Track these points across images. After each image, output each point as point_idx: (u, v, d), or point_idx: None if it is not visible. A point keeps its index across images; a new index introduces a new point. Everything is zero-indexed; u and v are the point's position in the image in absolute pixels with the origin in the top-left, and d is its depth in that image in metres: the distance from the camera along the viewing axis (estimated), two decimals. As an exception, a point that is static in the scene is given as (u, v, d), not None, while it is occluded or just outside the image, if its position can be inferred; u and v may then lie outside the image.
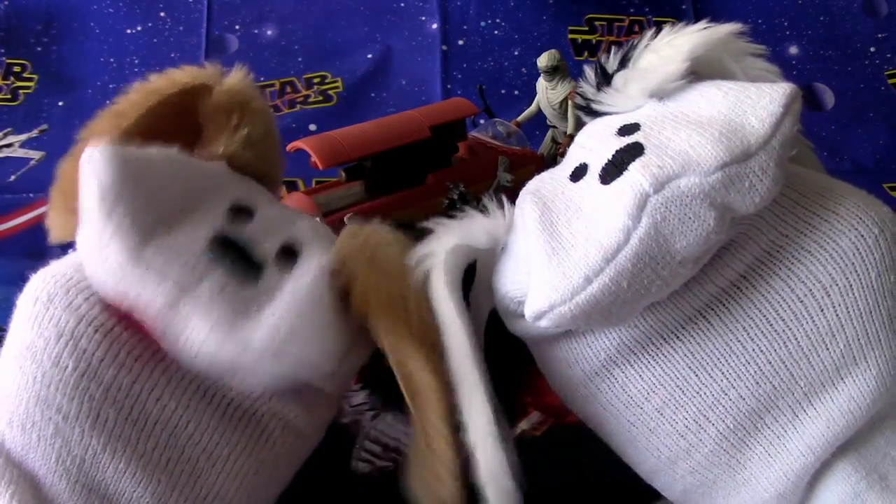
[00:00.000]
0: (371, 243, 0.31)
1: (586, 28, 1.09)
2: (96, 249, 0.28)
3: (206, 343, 0.27)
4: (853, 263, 0.27)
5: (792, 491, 0.29)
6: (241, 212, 0.32)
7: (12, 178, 0.94)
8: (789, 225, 0.28)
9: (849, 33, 1.08)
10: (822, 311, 0.28)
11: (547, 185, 0.30)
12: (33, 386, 0.28)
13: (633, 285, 0.26)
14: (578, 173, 0.29)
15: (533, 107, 0.71)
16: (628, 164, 0.26)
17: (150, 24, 1.06)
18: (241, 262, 0.30)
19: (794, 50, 1.08)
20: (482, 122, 0.65)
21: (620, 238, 0.25)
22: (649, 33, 0.32)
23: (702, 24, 0.31)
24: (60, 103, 1.01)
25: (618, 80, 0.32)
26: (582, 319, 0.27)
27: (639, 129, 0.28)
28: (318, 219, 0.37)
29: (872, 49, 1.07)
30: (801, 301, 0.28)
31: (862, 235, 0.28)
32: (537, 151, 0.67)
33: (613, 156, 0.27)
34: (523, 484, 0.29)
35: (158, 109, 0.33)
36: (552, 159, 0.66)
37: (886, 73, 1.07)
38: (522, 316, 0.29)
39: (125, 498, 0.28)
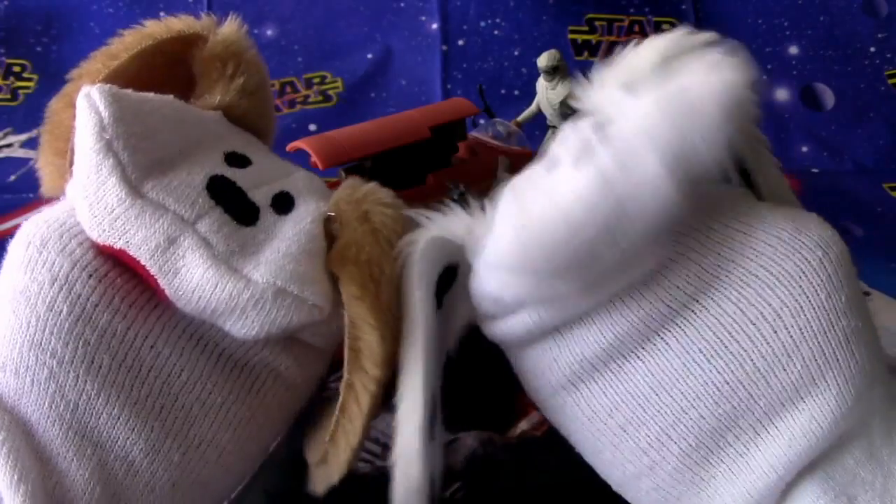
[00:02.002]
0: (369, 199, 0.31)
1: (586, 28, 1.09)
2: (93, 187, 0.27)
3: (203, 280, 0.27)
4: (801, 286, 0.28)
5: None
6: (238, 159, 0.32)
7: (12, 178, 0.94)
8: (733, 250, 0.29)
9: (849, 33, 1.08)
10: (775, 332, 0.28)
11: (523, 179, 0.31)
12: (27, 330, 0.27)
13: (592, 256, 0.26)
14: (552, 165, 0.29)
15: (533, 107, 0.71)
16: (597, 148, 0.27)
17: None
18: (238, 202, 0.29)
19: (794, 50, 1.09)
20: (482, 122, 0.65)
21: (585, 209, 0.26)
22: (636, 40, 0.33)
23: (681, 29, 0.32)
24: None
25: (595, 75, 0.32)
26: (544, 288, 0.27)
27: (612, 123, 0.29)
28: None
29: (872, 49, 1.08)
30: (754, 324, 0.28)
31: (806, 258, 0.28)
32: (537, 151, 0.67)
33: (585, 145, 0.28)
34: (435, 485, 0.30)
35: (151, 54, 0.33)
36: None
37: (886, 73, 1.07)
38: (498, 315, 0.30)
39: (118, 444, 0.28)
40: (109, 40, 0.33)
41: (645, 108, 0.27)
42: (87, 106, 0.27)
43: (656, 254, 0.28)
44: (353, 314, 0.29)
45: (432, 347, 0.30)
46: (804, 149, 1.03)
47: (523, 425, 0.43)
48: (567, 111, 0.33)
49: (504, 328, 0.30)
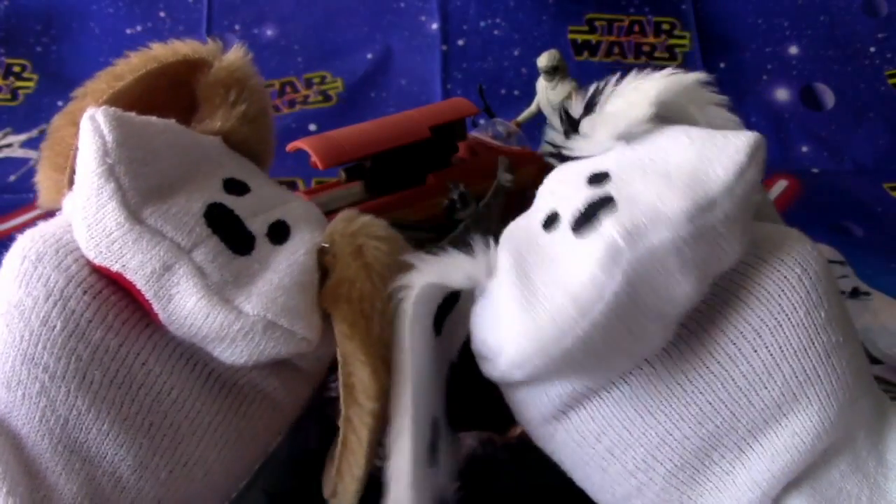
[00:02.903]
0: (363, 233, 0.31)
1: (586, 28, 1.09)
2: (92, 209, 0.28)
3: (196, 309, 0.27)
4: (780, 304, 0.28)
5: None
6: (236, 186, 0.32)
7: (12, 178, 0.94)
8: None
9: (849, 33, 1.08)
10: (755, 351, 0.28)
11: (521, 233, 0.31)
12: (20, 344, 0.28)
13: (606, 340, 0.26)
14: (550, 222, 0.30)
15: (533, 107, 0.71)
16: (601, 217, 0.27)
17: (149, 24, 1.06)
18: (235, 231, 0.30)
19: (794, 50, 1.09)
20: (482, 122, 0.65)
21: (595, 292, 0.26)
22: (614, 78, 0.33)
23: (668, 70, 0.32)
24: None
25: (585, 125, 0.33)
26: (553, 371, 0.28)
27: (609, 179, 0.29)
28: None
29: (872, 49, 1.08)
30: (734, 343, 0.28)
31: (785, 276, 0.28)
32: (537, 151, 0.67)
33: (586, 208, 0.28)
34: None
35: (156, 77, 0.33)
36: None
37: (886, 73, 1.07)
38: (490, 359, 0.30)
39: (107, 460, 0.28)
40: (115, 61, 0.33)
41: (653, 186, 0.27)
42: (91, 129, 0.28)
43: (667, 335, 0.28)
44: (345, 351, 0.29)
45: (425, 389, 0.30)
46: (804, 149, 1.03)
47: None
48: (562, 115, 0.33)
49: (497, 374, 0.30)
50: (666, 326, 0.28)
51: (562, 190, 0.31)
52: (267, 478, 0.40)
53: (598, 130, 0.32)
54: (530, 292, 0.27)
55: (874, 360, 0.56)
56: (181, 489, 0.30)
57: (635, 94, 0.31)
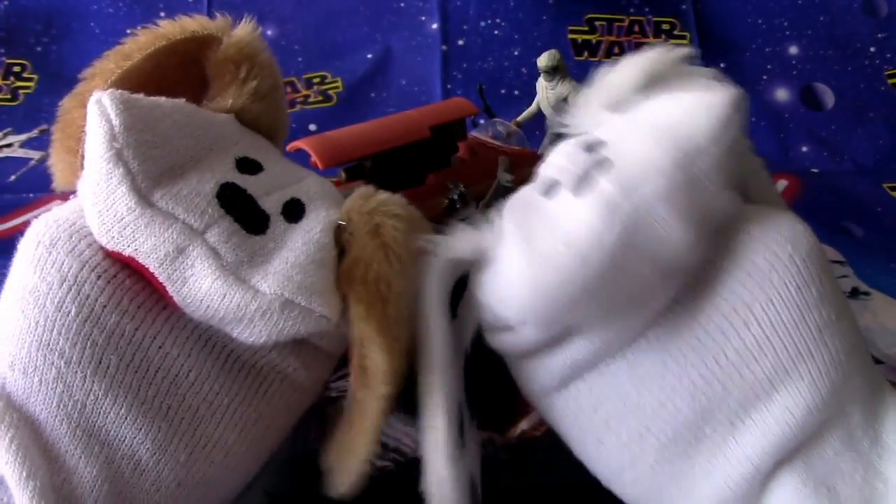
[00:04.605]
0: (380, 211, 0.31)
1: (586, 28, 1.09)
2: (103, 195, 0.27)
3: (211, 290, 0.27)
4: (770, 280, 0.29)
5: (734, 501, 0.30)
6: (249, 164, 0.31)
7: (12, 178, 0.94)
8: (708, 250, 0.29)
9: (849, 33, 1.08)
10: (747, 326, 0.29)
11: (522, 201, 0.32)
12: (36, 330, 0.28)
13: (607, 287, 0.27)
14: (550, 190, 0.30)
15: (533, 107, 0.71)
16: (597, 176, 0.28)
17: (150, 24, 1.06)
18: (248, 210, 0.29)
19: (794, 50, 1.09)
20: (482, 122, 0.65)
21: (595, 242, 0.27)
22: (613, 62, 0.34)
23: (660, 46, 0.33)
24: (60, 103, 1.01)
25: (580, 99, 0.33)
26: (558, 321, 0.29)
27: (604, 145, 0.30)
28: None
29: (872, 49, 1.08)
30: (727, 318, 0.29)
31: (775, 253, 0.29)
32: (537, 151, 0.67)
33: (583, 172, 0.29)
34: (476, 488, 0.30)
35: (165, 55, 0.33)
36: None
37: (886, 73, 1.07)
38: (501, 329, 0.31)
39: (125, 444, 0.28)
40: (123, 40, 0.33)
41: (642, 142, 0.28)
42: (98, 113, 0.27)
43: (668, 289, 0.29)
44: (361, 333, 0.29)
45: (451, 367, 0.30)
46: (804, 149, 1.03)
47: (523, 425, 0.43)
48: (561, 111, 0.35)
49: (508, 342, 0.31)
50: (665, 276, 0.28)
51: (560, 161, 0.31)
52: (267, 478, 0.40)
53: (592, 102, 0.33)
54: (532, 248, 0.28)
55: (874, 361, 0.56)
56: (201, 471, 0.30)
57: (626, 68, 0.32)
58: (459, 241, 0.31)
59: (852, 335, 0.30)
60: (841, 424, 0.30)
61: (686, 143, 0.28)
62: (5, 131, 1.01)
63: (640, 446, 0.30)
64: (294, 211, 0.31)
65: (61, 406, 0.28)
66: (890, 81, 1.06)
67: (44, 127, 1.00)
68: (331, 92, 1.06)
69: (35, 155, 0.97)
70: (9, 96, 1.03)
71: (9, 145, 0.99)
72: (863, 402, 0.30)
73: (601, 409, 0.31)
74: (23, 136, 1.00)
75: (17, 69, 1.05)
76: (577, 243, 0.27)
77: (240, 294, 0.27)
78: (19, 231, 0.30)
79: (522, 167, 0.57)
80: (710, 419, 0.29)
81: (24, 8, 1.06)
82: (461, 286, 0.31)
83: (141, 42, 0.33)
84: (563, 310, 0.28)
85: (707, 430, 0.29)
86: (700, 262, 0.29)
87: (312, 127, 1.02)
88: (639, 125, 0.30)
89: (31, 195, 0.89)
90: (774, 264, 0.29)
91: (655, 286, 0.28)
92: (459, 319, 0.32)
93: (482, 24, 1.08)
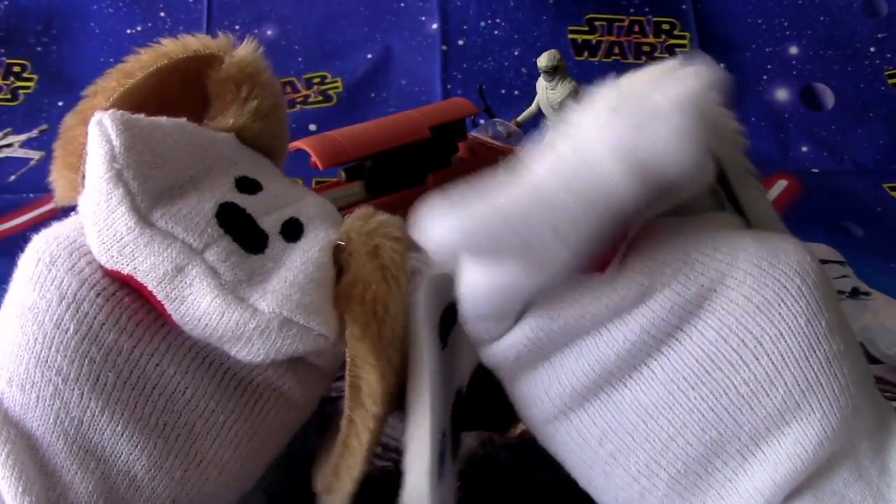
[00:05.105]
0: (380, 233, 0.31)
1: (586, 28, 1.09)
2: (102, 214, 0.27)
3: (210, 309, 0.27)
4: (780, 313, 0.28)
5: None
6: (249, 184, 0.32)
7: (12, 178, 0.94)
8: (714, 280, 0.29)
9: (849, 33, 1.08)
10: (757, 359, 0.28)
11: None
12: (34, 347, 0.28)
13: (531, 217, 0.26)
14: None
15: (533, 107, 0.71)
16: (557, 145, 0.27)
17: (150, 24, 1.06)
18: (247, 230, 0.29)
19: (794, 50, 1.09)
20: (482, 122, 0.65)
21: (522, 180, 0.26)
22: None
23: (678, 59, 0.32)
24: (60, 103, 1.01)
25: (586, 102, 0.33)
26: (480, 254, 0.27)
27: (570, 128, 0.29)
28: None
29: (872, 49, 1.08)
30: (736, 351, 0.29)
31: (784, 286, 0.29)
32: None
33: (546, 144, 0.28)
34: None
35: (167, 73, 0.33)
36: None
37: (886, 73, 1.07)
38: (488, 341, 0.30)
39: (121, 460, 0.28)
40: (125, 58, 0.33)
41: (603, 113, 0.27)
42: (98, 133, 0.27)
43: (597, 227, 0.27)
44: (355, 353, 0.29)
45: (439, 389, 0.30)
46: (804, 149, 1.03)
47: (523, 425, 0.43)
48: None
49: (496, 352, 0.31)
50: (599, 217, 0.26)
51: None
52: (267, 478, 0.40)
53: (597, 103, 0.32)
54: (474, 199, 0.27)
55: (874, 361, 0.56)
56: (196, 488, 0.30)
57: (637, 75, 0.31)
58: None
59: (859, 364, 0.30)
60: (850, 455, 0.29)
61: (647, 113, 0.26)
62: (5, 131, 1.01)
63: (649, 480, 0.30)
64: (293, 230, 0.31)
65: (58, 422, 0.28)
66: (890, 81, 1.06)
67: (44, 127, 1.00)
68: (331, 92, 1.06)
69: (35, 155, 0.97)
70: (9, 96, 1.04)
71: (9, 145, 0.99)
72: (870, 432, 0.30)
73: (607, 443, 0.30)
74: (23, 136, 1.00)
75: (17, 69, 1.05)
76: (518, 185, 0.26)
77: (238, 312, 0.27)
78: (19, 231, 0.30)
79: (522, 167, 0.57)
80: (721, 452, 0.29)
81: (24, 8, 1.07)
82: (450, 318, 0.31)
83: (143, 60, 0.33)
84: (482, 239, 0.26)
85: (718, 463, 0.29)
86: (707, 294, 0.29)
87: (312, 127, 1.02)
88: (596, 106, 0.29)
89: (31, 195, 0.89)
90: (783, 297, 0.28)
91: (580, 221, 0.26)
92: (450, 347, 0.32)
93: (482, 24, 1.08)
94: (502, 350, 0.30)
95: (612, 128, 0.26)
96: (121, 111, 0.28)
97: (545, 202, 0.26)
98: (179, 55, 0.33)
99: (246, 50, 0.34)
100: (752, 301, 0.29)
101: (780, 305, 0.28)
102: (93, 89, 0.33)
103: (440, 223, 0.27)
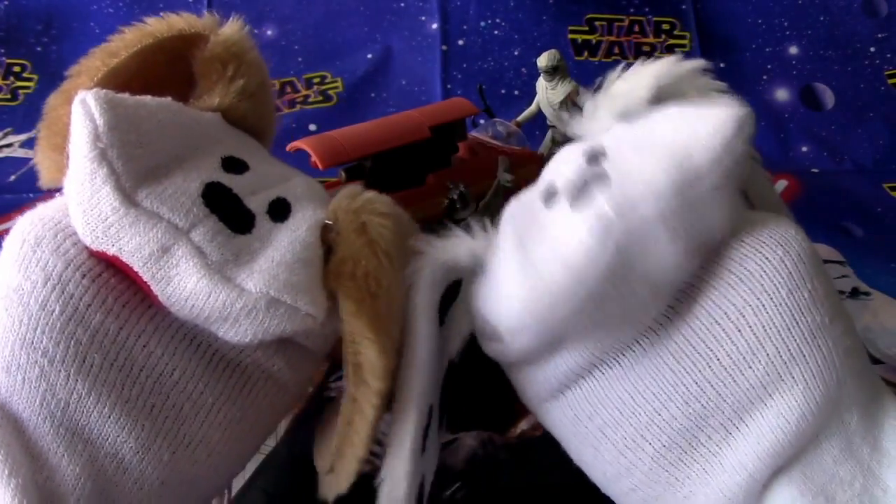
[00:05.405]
0: (367, 210, 0.31)
1: (586, 28, 1.09)
2: (87, 195, 0.27)
3: (196, 289, 0.27)
4: (762, 284, 0.29)
5: None
6: (235, 164, 0.31)
7: (12, 178, 0.94)
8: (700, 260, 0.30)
9: (849, 33, 1.08)
10: (739, 331, 0.29)
11: (521, 208, 0.32)
12: (19, 328, 0.27)
13: (600, 307, 0.27)
14: (549, 198, 0.30)
15: (533, 107, 0.71)
16: (595, 192, 0.28)
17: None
18: (234, 210, 0.29)
19: (794, 50, 1.09)
20: (482, 122, 0.65)
21: (590, 261, 0.27)
22: (621, 66, 0.34)
23: (671, 57, 0.32)
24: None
25: (588, 105, 0.33)
26: (550, 339, 0.29)
27: (605, 157, 0.30)
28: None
29: (872, 49, 1.08)
30: (719, 323, 0.29)
31: (767, 257, 0.29)
32: (537, 151, 0.67)
33: (582, 183, 0.29)
34: (423, 497, 0.31)
35: (152, 52, 0.33)
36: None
37: (886, 73, 1.07)
38: (493, 338, 0.31)
39: (108, 442, 0.28)
40: (110, 37, 0.33)
41: (642, 160, 0.28)
42: (82, 113, 0.27)
43: (660, 303, 0.29)
44: (352, 330, 0.29)
45: (430, 372, 0.30)
46: (804, 149, 1.03)
47: (523, 425, 0.43)
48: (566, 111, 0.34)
49: (500, 351, 0.31)
50: (657, 294, 0.28)
51: (562, 168, 0.31)
52: (267, 478, 0.40)
53: (600, 110, 0.33)
54: (529, 263, 0.28)
55: (874, 360, 0.56)
56: (184, 470, 0.30)
57: (636, 77, 0.32)
58: (455, 246, 0.31)
59: (847, 338, 0.30)
60: (839, 431, 0.29)
61: (687, 164, 0.27)
62: (5, 131, 1.01)
63: (635, 454, 0.30)
64: (280, 210, 0.31)
65: (44, 404, 0.28)
66: (890, 81, 1.06)
67: (44, 127, 1.00)
68: (331, 92, 1.06)
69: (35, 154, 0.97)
70: (9, 96, 1.04)
71: (9, 145, 0.99)
72: (860, 407, 0.30)
73: (597, 417, 0.31)
74: (23, 136, 1.00)
75: (17, 69, 1.05)
76: (573, 262, 0.27)
77: (225, 292, 0.27)
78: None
79: (522, 167, 0.57)
80: (705, 426, 0.29)
81: (24, 8, 1.07)
82: (453, 290, 0.31)
83: (127, 39, 0.32)
84: (555, 326, 0.28)
85: (702, 437, 0.29)
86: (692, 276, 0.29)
87: (312, 127, 1.02)
88: (641, 140, 0.30)
89: (31, 195, 0.88)
90: (765, 268, 0.29)
91: (647, 303, 0.28)
92: (447, 325, 0.32)
93: (482, 24, 1.08)
94: (506, 350, 0.31)
95: (660, 196, 0.27)
96: (105, 90, 0.28)
97: (611, 288, 0.27)
98: (164, 34, 0.33)
99: (231, 29, 0.34)
100: (735, 272, 0.29)
101: (762, 277, 0.28)
102: (76, 69, 0.33)
103: (507, 304, 0.28)
